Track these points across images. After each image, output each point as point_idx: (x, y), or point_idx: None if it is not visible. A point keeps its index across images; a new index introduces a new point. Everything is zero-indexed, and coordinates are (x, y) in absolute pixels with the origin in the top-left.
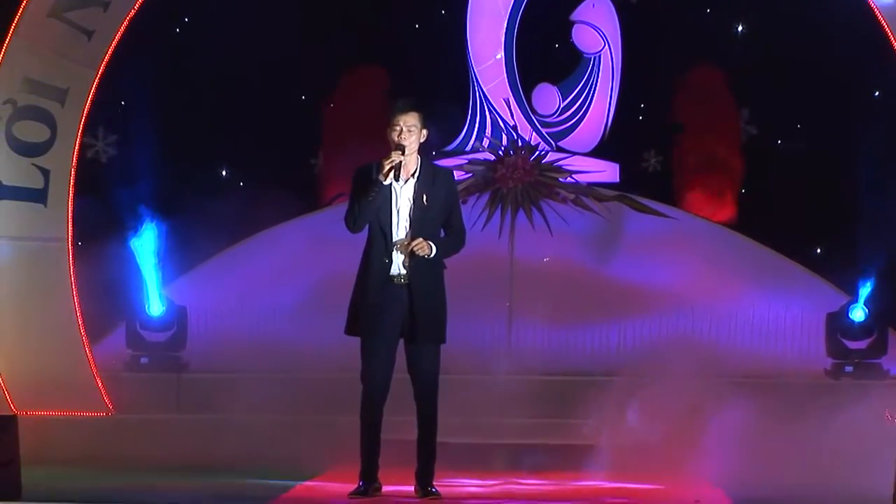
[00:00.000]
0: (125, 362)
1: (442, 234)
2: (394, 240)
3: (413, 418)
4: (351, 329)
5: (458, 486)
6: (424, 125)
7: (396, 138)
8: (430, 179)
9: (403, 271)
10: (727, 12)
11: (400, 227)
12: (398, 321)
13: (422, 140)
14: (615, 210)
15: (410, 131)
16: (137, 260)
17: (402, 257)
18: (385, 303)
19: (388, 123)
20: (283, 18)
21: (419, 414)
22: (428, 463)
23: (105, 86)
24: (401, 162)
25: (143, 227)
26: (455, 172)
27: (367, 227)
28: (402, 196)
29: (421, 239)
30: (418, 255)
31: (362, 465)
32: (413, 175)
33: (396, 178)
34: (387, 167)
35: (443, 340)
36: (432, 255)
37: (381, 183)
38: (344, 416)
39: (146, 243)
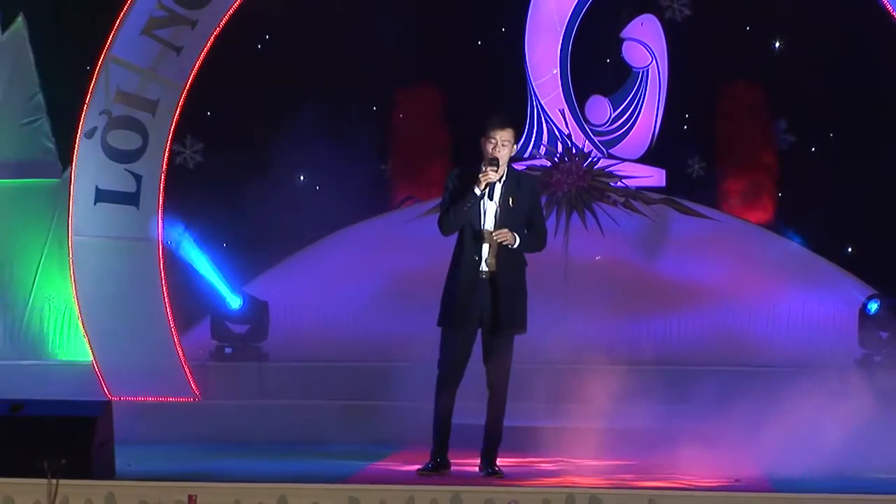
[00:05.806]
0: (211, 352)
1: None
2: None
3: (478, 404)
4: (443, 321)
5: (520, 466)
6: (516, 140)
7: (491, 151)
8: (516, 183)
9: (488, 268)
10: (765, 29)
11: (486, 227)
12: (479, 313)
13: (512, 154)
14: (661, 212)
15: (504, 146)
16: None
17: (488, 255)
18: (471, 297)
19: (483, 134)
20: (355, 37)
21: (491, 400)
22: (494, 445)
23: (192, 97)
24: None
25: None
26: None
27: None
28: (491, 199)
29: (506, 229)
30: (502, 243)
31: (434, 445)
32: (500, 180)
33: (490, 196)
34: (483, 183)
35: (523, 329)
36: (515, 244)
37: (476, 195)
38: (410, 402)
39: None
